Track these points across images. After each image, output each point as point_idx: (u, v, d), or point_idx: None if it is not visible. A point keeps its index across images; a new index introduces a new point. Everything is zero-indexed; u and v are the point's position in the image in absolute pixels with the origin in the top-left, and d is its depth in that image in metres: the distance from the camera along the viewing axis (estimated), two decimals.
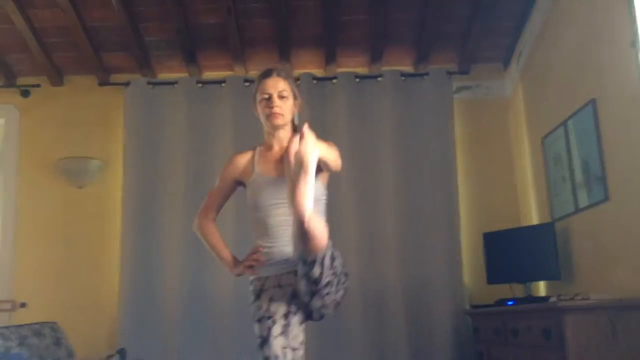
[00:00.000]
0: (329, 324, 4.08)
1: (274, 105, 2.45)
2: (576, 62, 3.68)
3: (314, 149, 2.06)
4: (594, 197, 3.47)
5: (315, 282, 2.19)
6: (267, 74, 2.51)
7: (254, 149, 2.58)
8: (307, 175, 2.01)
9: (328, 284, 2.23)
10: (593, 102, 3.44)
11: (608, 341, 2.86)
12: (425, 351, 4.28)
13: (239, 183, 2.58)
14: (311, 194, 2.01)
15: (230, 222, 4.21)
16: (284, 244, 2.36)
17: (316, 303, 2.29)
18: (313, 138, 2.09)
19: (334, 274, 2.24)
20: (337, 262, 2.26)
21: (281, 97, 2.47)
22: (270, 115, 2.46)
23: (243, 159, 2.56)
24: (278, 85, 2.48)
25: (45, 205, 4.62)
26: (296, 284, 2.32)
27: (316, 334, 4.10)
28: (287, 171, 2.09)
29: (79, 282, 4.49)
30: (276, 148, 2.50)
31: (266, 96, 2.47)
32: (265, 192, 2.42)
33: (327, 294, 2.26)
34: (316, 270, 2.16)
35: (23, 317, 4.28)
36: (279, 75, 2.51)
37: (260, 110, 2.51)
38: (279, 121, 2.46)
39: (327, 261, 2.17)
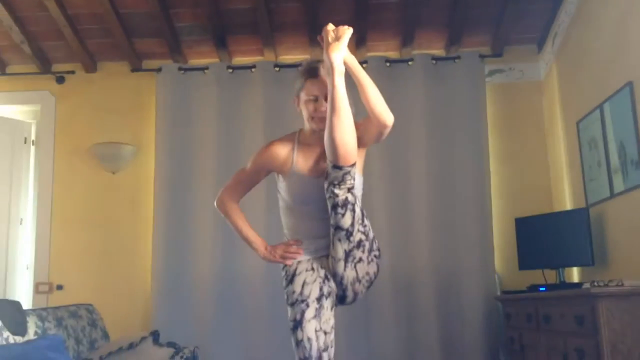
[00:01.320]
0: (359, 310, 4.11)
1: (320, 109, 2.39)
2: (613, 43, 3.59)
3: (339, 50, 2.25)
4: (630, 182, 3.40)
5: (348, 235, 2.25)
6: (313, 73, 2.42)
7: (292, 137, 2.53)
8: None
9: (360, 244, 2.29)
10: (630, 84, 3.36)
11: None
12: (457, 337, 4.26)
13: (272, 171, 2.56)
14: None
15: (261, 208, 4.24)
16: (316, 236, 2.42)
17: (349, 273, 2.31)
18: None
19: (364, 233, 2.30)
20: (367, 222, 2.33)
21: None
22: (314, 118, 2.42)
23: (282, 151, 2.48)
24: (325, 88, 2.37)
25: (80, 190, 4.72)
26: (330, 252, 2.35)
27: (346, 320, 4.12)
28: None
29: (113, 265, 4.58)
30: (317, 148, 2.42)
31: (312, 97, 2.42)
32: (302, 191, 2.43)
33: (360, 260, 2.31)
34: (347, 218, 2.24)
35: (60, 299, 4.40)
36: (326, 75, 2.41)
37: (304, 110, 2.46)
38: (323, 125, 2.36)
39: (357, 210, 2.26)
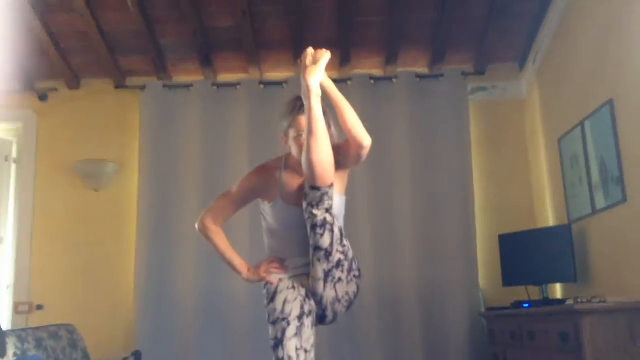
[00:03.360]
0: (344, 325, 4.09)
1: None
2: (593, 61, 3.64)
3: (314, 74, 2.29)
4: (610, 198, 3.43)
5: (327, 254, 2.27)
6: (301, 109, 2.38)
7: (279, 163, 2.53)
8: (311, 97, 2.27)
9: (339, 263, 2.31)
10: (610, 102, 3.40)
11: (626, 344, 2.82)
12: (441, 353, 4.25)
13: (259, 197, 2.56)
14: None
15: (245, 228, 4.23)
16: (298, 256, 2.43)
17: (329, 293, 2.33)
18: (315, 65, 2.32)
19: (343, 253, 2.32)
20: (347, 242, 2.35)
21: None
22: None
23: (270, 179, 2.50)
24: None
25: (62, 207, 4.66)
26: (310, 272, 2.36)
27: (331, 335, 4.11)
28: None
29: (95, 284, 4.52)
30: (302, 177, 2.41)
31: (301, 133, 2.38)
32: (287, 217, 2.44)
33: (339, 280, 2.32)
34: (326, 238, 2.26)
35: (40, 319, 4.32)
36: None
37: (293, 145, 2.45)
38: None
39: (336, 230, 2.29)
